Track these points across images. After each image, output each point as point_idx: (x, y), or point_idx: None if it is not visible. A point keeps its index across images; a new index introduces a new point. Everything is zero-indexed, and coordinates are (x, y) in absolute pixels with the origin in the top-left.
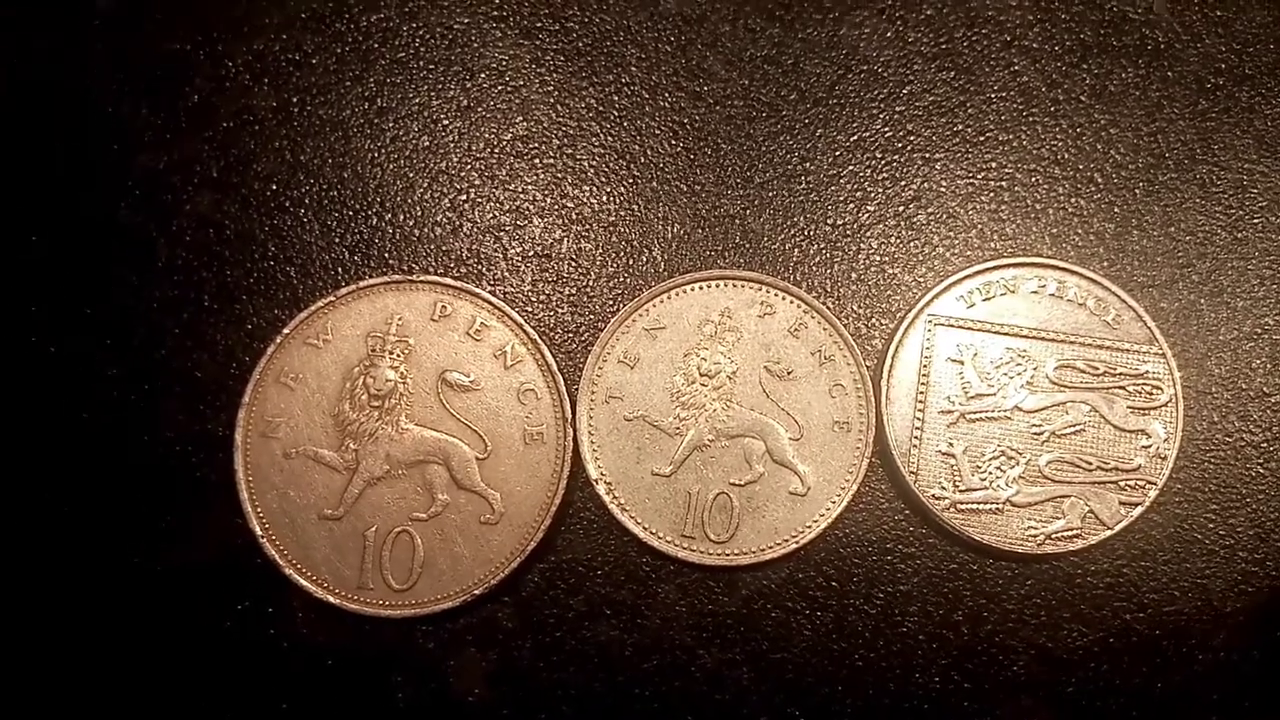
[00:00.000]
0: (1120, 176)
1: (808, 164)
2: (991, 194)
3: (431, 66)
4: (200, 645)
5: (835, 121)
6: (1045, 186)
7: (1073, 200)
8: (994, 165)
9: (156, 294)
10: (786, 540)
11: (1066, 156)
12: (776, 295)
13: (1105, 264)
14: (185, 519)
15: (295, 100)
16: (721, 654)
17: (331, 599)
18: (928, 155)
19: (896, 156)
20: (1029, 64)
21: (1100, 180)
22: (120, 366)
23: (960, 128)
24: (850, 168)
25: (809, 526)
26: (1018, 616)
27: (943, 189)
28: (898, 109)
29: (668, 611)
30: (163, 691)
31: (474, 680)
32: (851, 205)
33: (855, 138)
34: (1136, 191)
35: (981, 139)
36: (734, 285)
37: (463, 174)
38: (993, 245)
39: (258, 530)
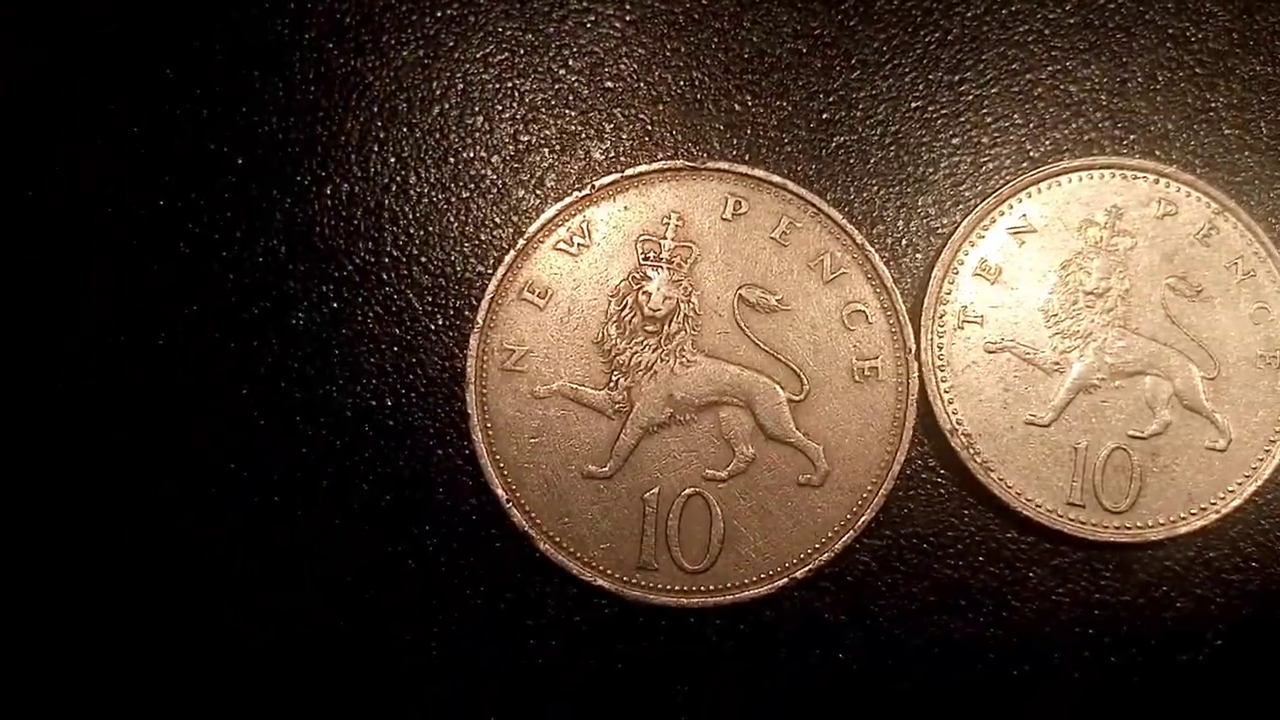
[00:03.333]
0: None
1: None
2: None
3: None
4: (436, 631)
5: None
6: None
7: None
8: None
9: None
10: (1205, 509)
11: None
12: (1180, 190)
13: None
14: (406, 482)
15: None
16: (1111, 655)
17: (603, 583)
18: None
19: None
20: None
21: None
22: (321, 278)
23: None
24: None
25: (1231, 491)
26: None
27: None
28: None
29: (1042, 603)
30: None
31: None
32: None
33: None
34: None
35: None
36: (1124, 176)
37: None
38: None
39: (501, 493)
